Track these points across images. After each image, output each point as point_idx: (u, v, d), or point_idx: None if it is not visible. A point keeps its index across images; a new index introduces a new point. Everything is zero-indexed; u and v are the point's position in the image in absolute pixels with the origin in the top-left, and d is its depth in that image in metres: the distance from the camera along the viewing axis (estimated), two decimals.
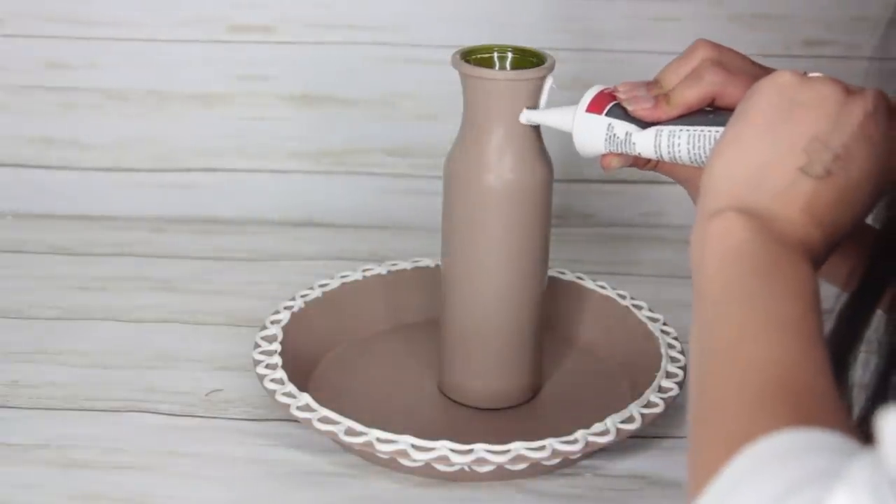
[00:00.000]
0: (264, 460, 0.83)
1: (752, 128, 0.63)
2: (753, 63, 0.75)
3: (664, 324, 0.93)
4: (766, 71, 0.73)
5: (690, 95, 0.74)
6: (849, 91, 0.64)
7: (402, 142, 1.18)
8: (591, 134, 0.77)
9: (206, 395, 0.90)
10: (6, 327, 0.99)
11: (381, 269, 1.00)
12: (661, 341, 0.90)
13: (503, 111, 0.82)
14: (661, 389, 0.85)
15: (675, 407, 0.84)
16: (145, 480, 0.81)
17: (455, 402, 0.89)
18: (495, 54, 0.85)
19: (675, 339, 0.91)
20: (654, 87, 0.76)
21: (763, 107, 0.63)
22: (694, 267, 0.61)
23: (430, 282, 0.97)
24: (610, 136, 0.77)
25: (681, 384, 0.86)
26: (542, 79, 0.82)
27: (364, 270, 1.00)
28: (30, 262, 1.09)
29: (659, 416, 0.83)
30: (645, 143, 0.76)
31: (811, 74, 0.65)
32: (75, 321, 1.00)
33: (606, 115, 0.77)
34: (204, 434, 0.86)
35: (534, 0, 1.14)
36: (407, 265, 1.01)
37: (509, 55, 0.85)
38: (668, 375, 0.87)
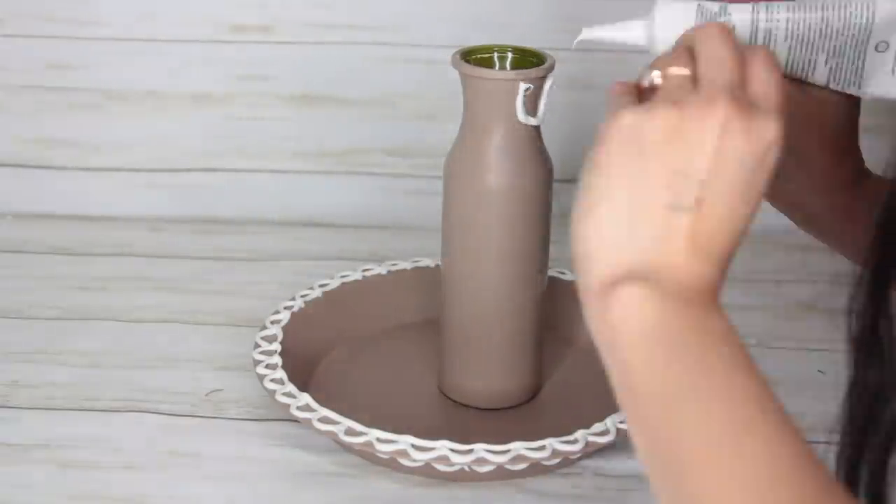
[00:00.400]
0: (264, 460, 0.83)
1: (607, 180, 0.58)
2: None
3: None
4: None
5: None
6: (697, 105, 0.58)
7: (402, 142, 1.18)
8: (676, 25, 0.69)
9: (206, 395, 0.90)
10: (6, 327, 0.99)
11: (381, 269, 1.00)
12: None
13: (503, 111, 0.82)
14: None
15: None
16: (145, 480, 0.81)
17: (455, 402, 0.89)
18: (495, 54, 0.85)
19: None
20: None
21: (613, 155, 0.58)
22: (605, 351, 0.58)
23: (430, 282, 0.97)
24: (701, 18, 0.69)
25: None
26: (543, 79, 0.81)
27: (364, 270, 1.00)
28: (30, 262, 1.09)
29: None
30: (742, 16, 0.68)
31: (648, 79, 0.61)
32: (75, 321, 1.00)
33: None
34: (204, 434, 0.86)
35: (534, 0, 1.14)
36: (407, 265, 1.01)
37: (509, 55, 0.85)
38: None
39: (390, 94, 1.17)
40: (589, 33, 0.73)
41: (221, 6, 1.15)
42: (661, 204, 0.57)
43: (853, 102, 0.71)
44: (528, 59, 0.84)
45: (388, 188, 1.18)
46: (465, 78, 0.82)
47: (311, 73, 1.17)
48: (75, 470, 0.82)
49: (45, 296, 1.03)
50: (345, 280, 0.98)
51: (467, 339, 0.87)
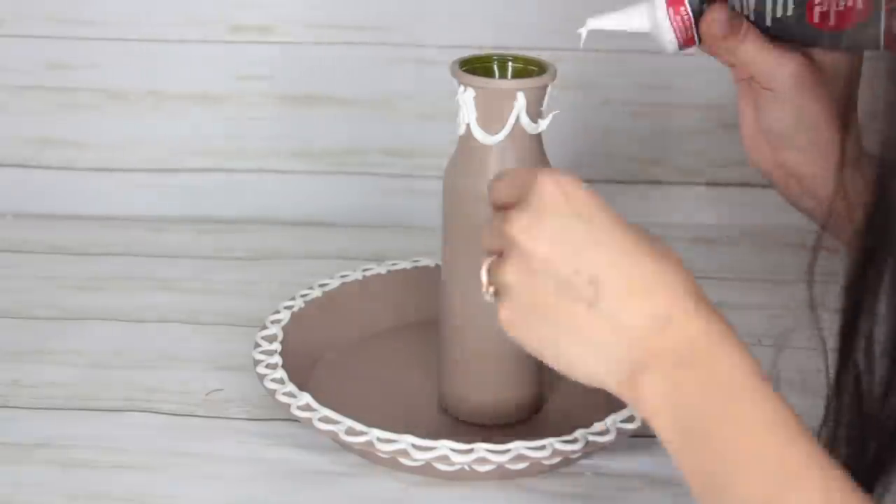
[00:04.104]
0: (264, 460, 0.83)
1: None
2: None
3: None
4: None
5: None
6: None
7: (402, 142, 1.18)
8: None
9: (206, 395, 0.90)
10: (6, 327, 0.99)
11: (381, 269, 1.00)
12: None
13: (503, 121, 0.80)
14: None
15: None
16: (145, 480, 0.81)
17: (458, 419, 0.88)
18: (495, 63, 0.84)
19: None
20: None
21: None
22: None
23: (430, 282, 0.97)
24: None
25: None
26: (544, 88, 0.80)
27: (364, 270, 1.00)
28: (30, 262, 1.09)
29: None
30: None
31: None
32: (75, 321, 1.00)
33: None
34: (204, 434, 0.86)
35: (534, 0, 1.14)
36: (407, 265, 1.01)
37: (510, 64, 0.84)
38: None
39: (390, 94, 1.17)
40: (594, 23, 0.76)
41: (221, 6, 1.15)
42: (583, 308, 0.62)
43: (855, 73, 0.72)
44: (528, 68, 0.82)
45: (388, 188, 1.18)
46: (464, 87, 0.81)
47: (311, 73, 1.17)
48: (75, 470, 0.82)
49: (45, 296, 1.03)
50: (345, 280, 0.98)
51: (467, 354, 0.86)
